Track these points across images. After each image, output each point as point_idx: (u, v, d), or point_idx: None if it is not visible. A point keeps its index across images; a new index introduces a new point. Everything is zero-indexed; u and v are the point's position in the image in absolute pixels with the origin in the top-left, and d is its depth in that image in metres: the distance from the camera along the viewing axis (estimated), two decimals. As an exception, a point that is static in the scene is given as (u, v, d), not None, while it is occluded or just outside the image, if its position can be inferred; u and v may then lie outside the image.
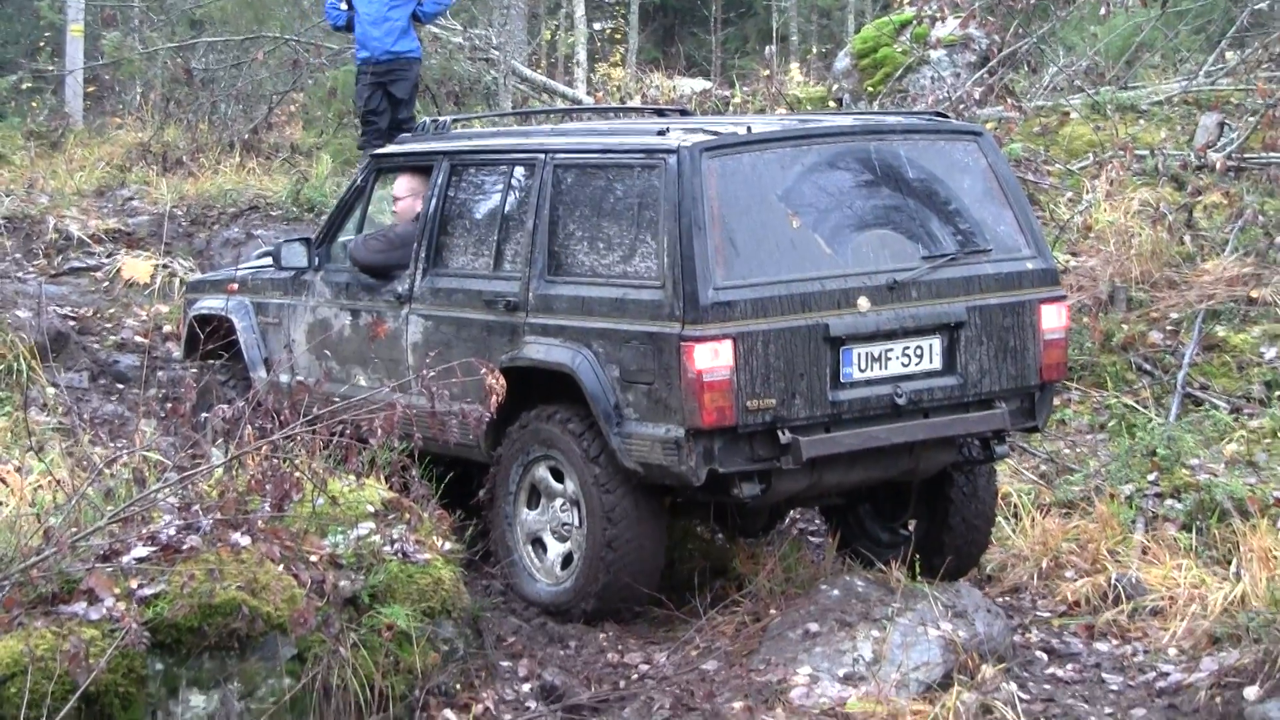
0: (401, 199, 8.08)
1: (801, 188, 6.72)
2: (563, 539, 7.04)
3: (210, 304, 8.88)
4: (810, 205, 6.72)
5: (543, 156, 7.15)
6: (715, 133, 6.70)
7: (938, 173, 7.02)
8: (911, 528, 7.52)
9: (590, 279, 6.82)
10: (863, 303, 6.62)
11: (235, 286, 8.74)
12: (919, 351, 6.76)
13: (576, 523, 6.93)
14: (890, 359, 6.70)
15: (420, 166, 7.98)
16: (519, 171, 7.28)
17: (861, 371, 6.65)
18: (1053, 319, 7.03)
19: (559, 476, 6.99)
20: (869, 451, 6.75)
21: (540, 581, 7.09)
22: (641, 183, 6.69)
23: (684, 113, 9.32)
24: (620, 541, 6.74)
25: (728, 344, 6.33)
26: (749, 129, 6.80)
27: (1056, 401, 9.41)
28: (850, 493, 7.34)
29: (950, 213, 7.00)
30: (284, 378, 8.03)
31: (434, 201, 7.59)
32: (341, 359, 7.99)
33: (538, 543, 7.15)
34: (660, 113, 9.26)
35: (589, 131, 7.56)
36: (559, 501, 7.02)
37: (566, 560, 7.02)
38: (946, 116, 7.58)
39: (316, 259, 8.18)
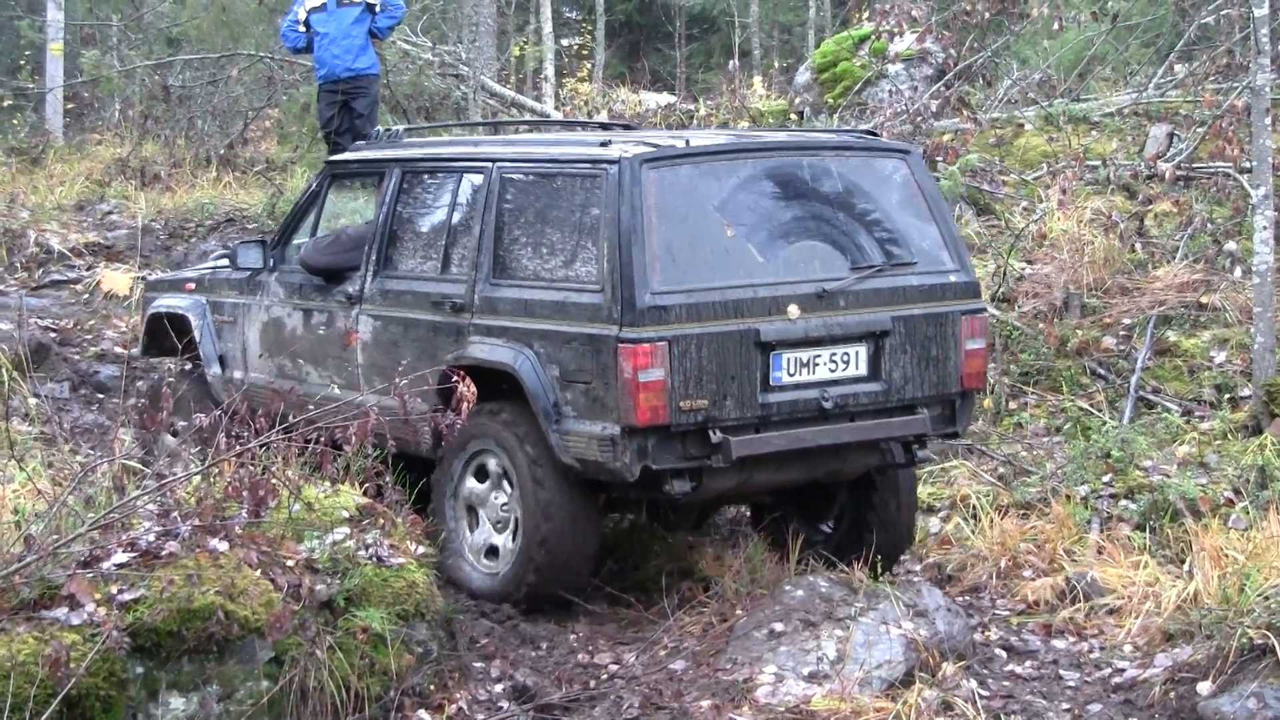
0: None
1: (737, 199, 6.93)
2: (500, 530, 7.20)
3: (168, 302, 9.09)
4: (745, 216, 6.92)
5: (490, 166, 7.35)
6: (655, 145, 6.89)
7: (867, 188, 7.24)
8: (836, 525, 7.70)
9: (533, 282, 7.00)
10: (793, 310, 6.82)
11: (193, 286, 8.98)
12: (845, 358, 6.97)
13: (514, 515, 7.09)
14: (818, 364, 6.91)
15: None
16: (467, 179, 7.48)
17: (790, 376, 6.84)
18: (974, 331, 7.25)
19: (500, 471, 7.16)
20: (796, 452, 6.94)
21: (475, 571, 7.25)
22: (584, 191, 6.87)
23: (628, 128, 9.52)
24: (554, 533, 6.90)
25: (663, 346, 6.52)
26: (687, 142, 6.98)
27: (1013, 405, 9.58)
28: (778, 491, 7.52)
29: (878, 226, 7.22)
30: (238, 374, 8.29)
31: (385, 207, 7.77)
32: (294, 356, 8.17)
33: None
34: (606, 128, 9.46)
35: (535, 142, 7.74)
36: (498, 495, 7.19)
37: (500, 551, 7.19)
38: (877, 135, 7.81)
39: (271, 260, 8.38)
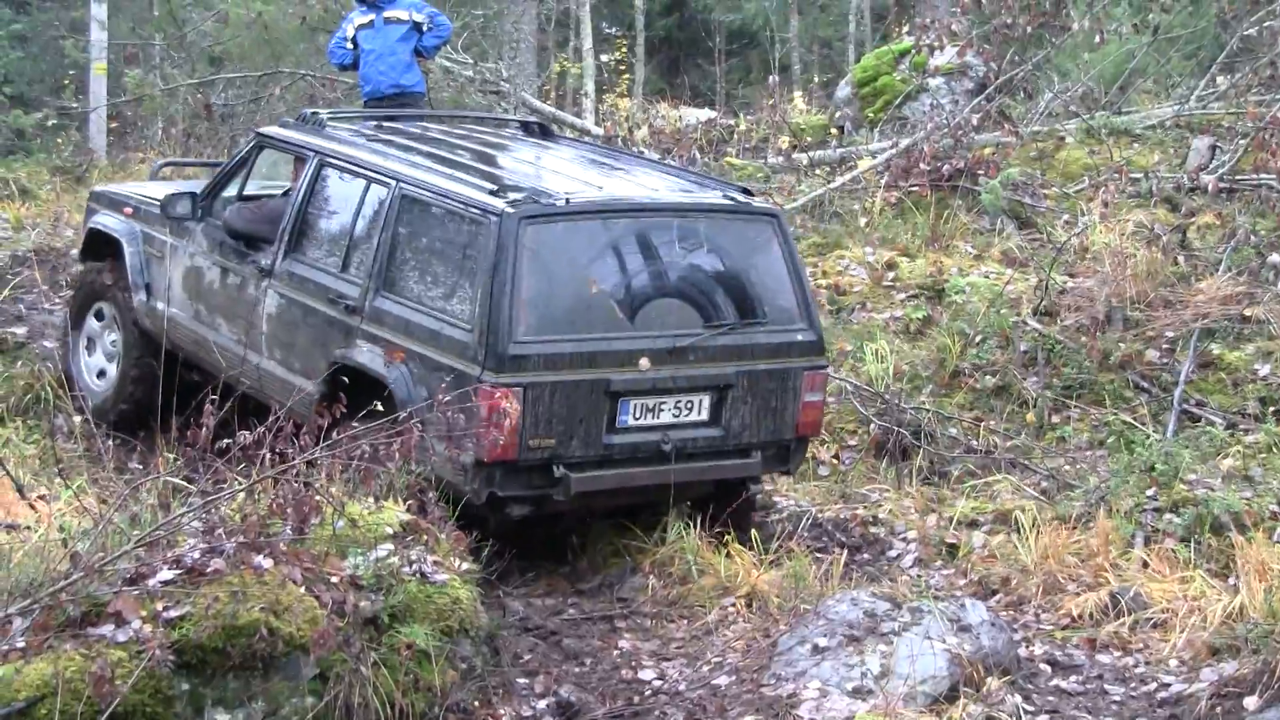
0: None
1: (606, 256, 7.39)
2: None
3: (106, 222, 9.56)
4: (612, 272, 7.40)
5: (393, 182, 7.67)
6: (536, 200, 7.21)
7: (731, 249, 7.72)
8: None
9: (416, 305, 7.39)
10: (644, 363, 7.28)
11: (130, 211, 9.44)
12: (689, 405, 7.49)
13: None
14: (663, 410, 7.43)
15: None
16: (373, 189, 7.82)
17: (636, 419, 7.35)
18: (813, 385, 7.77)
19: None
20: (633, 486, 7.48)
21: None
22: (468, 233, 7.23)
23: (544, 129, 9.74)
24: None
25: (518, 391, 6.97)
26: (567, 200, 7.30)
27: (1056, 419, 9.56)
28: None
29: (736, 286, 7.69)
30: (160, 305, 8.89)
31: (301, 192, 8.15)
32: (209, 306, 8.64)
33: None
34: (525, 125, 9.81)
35: (436, 170, 7.83)
36: None
37: None
38: (752, 194, 8.18)
39: (200, 211, 8.80)
